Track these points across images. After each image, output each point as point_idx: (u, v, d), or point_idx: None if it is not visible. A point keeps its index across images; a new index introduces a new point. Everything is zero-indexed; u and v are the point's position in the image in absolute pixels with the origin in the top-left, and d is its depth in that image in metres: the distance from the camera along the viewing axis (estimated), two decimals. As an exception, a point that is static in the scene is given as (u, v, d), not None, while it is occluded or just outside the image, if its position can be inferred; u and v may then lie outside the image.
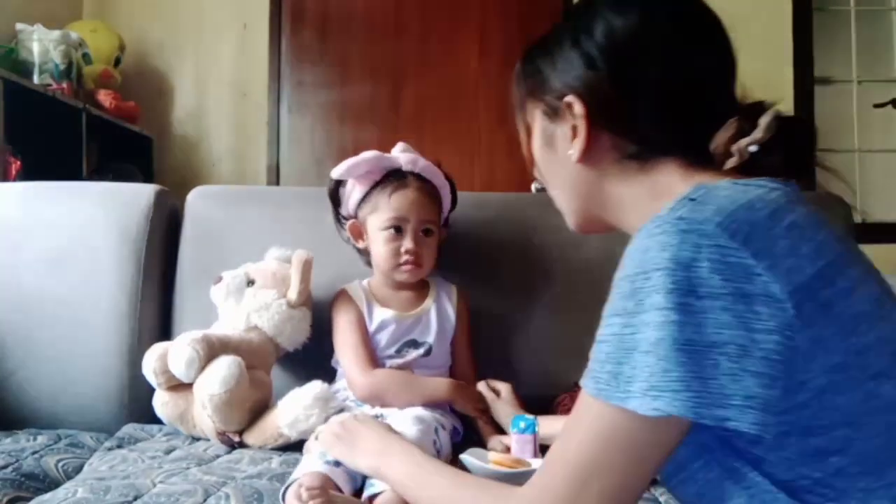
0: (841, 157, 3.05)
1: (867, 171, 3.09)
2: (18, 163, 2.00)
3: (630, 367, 0.55)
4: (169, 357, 1.16)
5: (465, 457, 0.96)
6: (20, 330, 1.32)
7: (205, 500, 0.89)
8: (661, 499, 0.94)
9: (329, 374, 1.27)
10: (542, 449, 1.01)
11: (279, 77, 3.02)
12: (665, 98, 0.67)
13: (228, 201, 1.50)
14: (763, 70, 2.86)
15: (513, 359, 1.37)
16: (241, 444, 1.16)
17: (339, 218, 1.34)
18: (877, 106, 3.08)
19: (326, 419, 1.04)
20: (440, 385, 1.22)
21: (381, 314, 1.27)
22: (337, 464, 0.91)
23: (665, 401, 0.53)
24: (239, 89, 3.01)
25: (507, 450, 1.07)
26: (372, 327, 1.26)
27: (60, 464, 1.08)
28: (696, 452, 0.61)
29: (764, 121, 0.63)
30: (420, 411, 1.13)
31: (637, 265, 0.57)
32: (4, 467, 1.02)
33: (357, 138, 2.97)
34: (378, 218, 1.26)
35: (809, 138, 0.66)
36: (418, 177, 1.28)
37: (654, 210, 0.59)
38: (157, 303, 1.39)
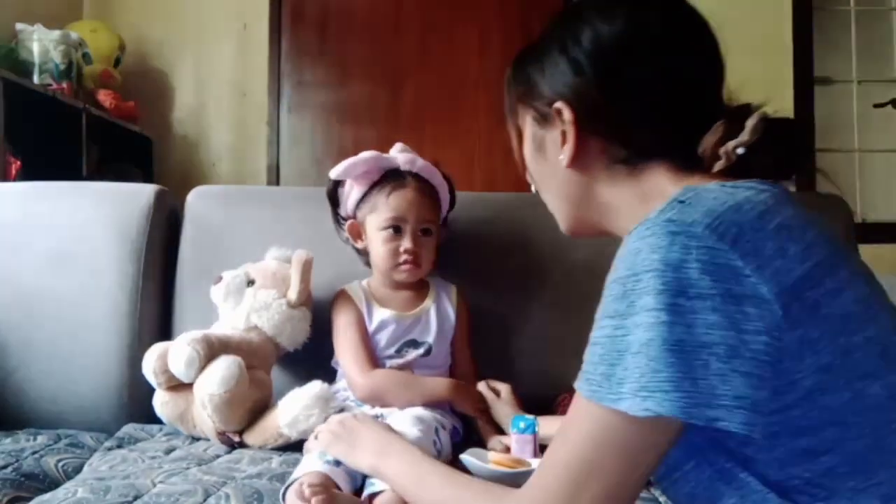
0: (841, 157, 3.05)
1: (867, 171, 3.09)
2: (18, 163, 2.00)
3: (622, 369, 0.55)
4: (169, 357, 1.16)
5: (465, 457, 0.96)
6: (20, 330, 1.32)
7: (205, 500, 0.89)
8: (661, 499, 0.94)
9: (329, 374, 1.27)
10: (542, 449, 1.01)
11: (279, 77, 3.02)
12: (653, 102, 0.68)
13: (228, 201, 1.50)
14: (763, 70, 2.86)
15: (512, 359, 1.37)
16: (241, 444, 1.16)
17: (337, 218, 1.34)
18: (877, 106, 3.08)
19: (326, 419, 1.04)
20: (440, 385, 1.22)
21: (380, 314, 1.27)
22: (337, 463, 0.91)
23: (655, 401, 0.53)
24: (239, 89, 3.01)
25: (507, 450, 1.07)
26: (371, 327, 1.26)
27: (60, 464, 1.08)
28: (687, 453, 0.61)
29: (750, 123, 0.64)
30: (420, 411, 1.13)
31: (628, 267, 0.57)
32: (4, 467, 1.03)
33: (357, 138, 2.97)
34: (377, 218, 1.26)
35: (796, 139, 0.67)
36: (417, 176, 1.28)
37: (645, 213, 0.60)
38: (157, 303, 1.39)
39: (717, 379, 0.53)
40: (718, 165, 0.65)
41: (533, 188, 0.83)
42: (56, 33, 2.29)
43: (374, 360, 1.24)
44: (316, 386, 1.14)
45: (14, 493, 0.96)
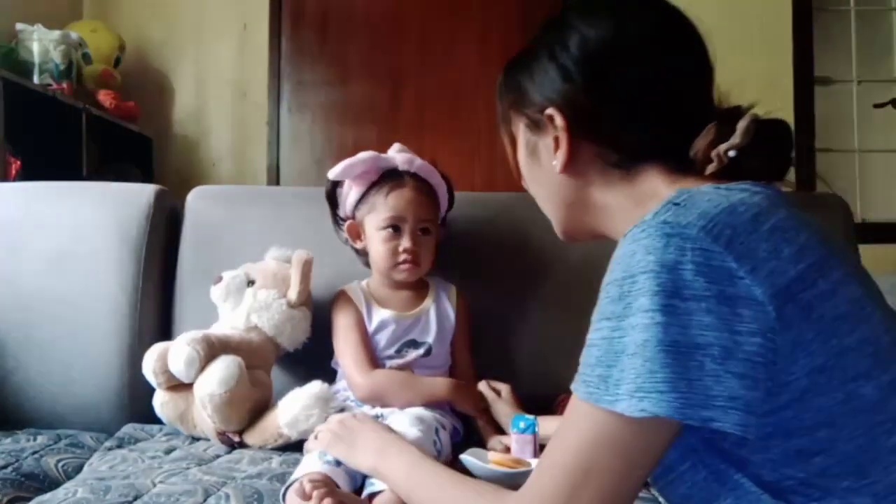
0: (841, 157, 3.05)
1: (867, 171, 3.09)
2: (18, 163, 2.00)
3: (619, 371, 0.56)
4: (169, 357, 1.16)
5: (465, 457, 0.96)
6: (20, 330, 1.32)
7: (205, 500, 0.89)
8: (661, 499, 0.94)
9: (329, 375, 1.27)
10: (542, 449, 1.01)
11: (279, 77, 3.02)
12: (643, 106, 0.68)
13: (228, 201, 1.50)
14: (763, 70, 2.86)
15: (512, 359, 1.37)
16: (241, 444, 1.17)
17: (336, 219, 1.34)
18: (877, 106, 3.07)
19: (326, 419, 1.04)
20: (440, 385, 1.22)
21: (380, 314, 1.27)
22: (337, 463, 0.91)
23: (651, 402, 0.53)
24: (239, 89, 3.01)
25: (507, 450, 1.07)
26: (371, 328, 1.26)
27: (60, 464, 1.08)
28: (683, 454, 0.61)
29: (742, 125, 0.64)
30: (420, 411, 1.13)
31: (624, 269, 0.57)
32: (4, 467, 1.03)
33: (357, 138, 2.97)
34: (375, 218, 1.26)
35: (788, 140, 0.67)
36: (415, 176, 1.28)
37: (640, 216, 0.60)
38: (157, 303, 1.39)
39: (712, 380, 0.53)
40: (711, 168, 0.65)
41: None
42: (56, 33, 2.29)
43: (375, 360, 1.24)
44: (316, 386, 1.14)
45: (14, 493, 0.96)
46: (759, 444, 0.57)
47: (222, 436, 1.16)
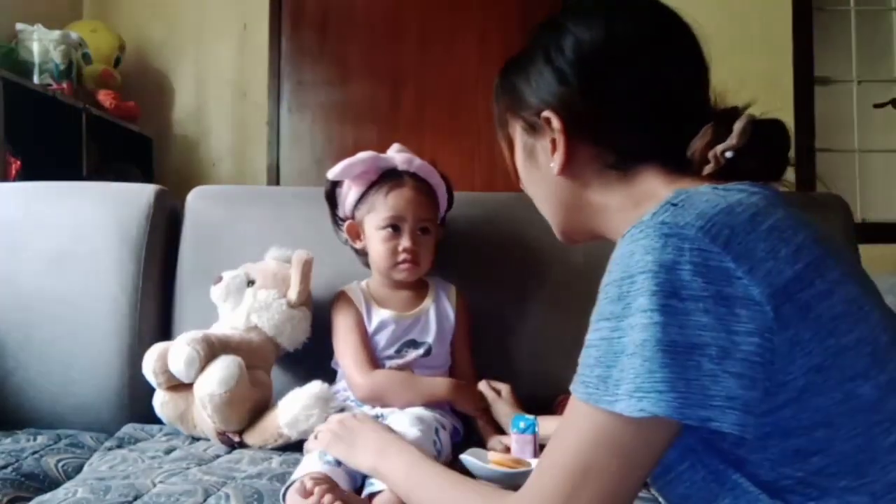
0: (841, 157, 3.05)
1: (867, 171, 3.09)
2: (18, 163, 2.00)
3: (618, 371, 0.56)
4: (169, 357, 1.16)
5: (465, 457, 0.96)
6: (20, 330, 1.32)
7: (205, 500, 0.89)
8: (661, 499, 0.94)
9: (329, 375, 1.27)
10: (542, 449, 1.01)
11: (279, 77, 3.02)
12: (638, 108, 0.68)
13: (228, 201, 1.50)
14: (763, 70, 2.87)
15: (512, 359, 1.37)
16: (241, 444, 1.17)
17: (335, 219, 1.34)
18: (877, 106, 3.07)
19: (326, 419, 1.04)
20: (440, 385, 1.22)
21: (379, 315, 1.27)
22: (337, 463, 0.91)
23: (650, 402, 0.53)
24: (239, 89, 3.01)
25: (507, 450, 1.07)
26: (371, 328, 1.26)
27: (60, 464, 1.08)
28: (681, 454, 0.61)
29: (738, 126, 0.64)
30: (420, 411, 1.13)
31: (622, 270, 0.57)
32: (4, 467, 1.03)
33: (357, 138, 2.97)
34: (375, 217, 1.26)
35: (784, 140, 0.67)
36: (414, 176, 1.28)
37: (638, 216, 0.60)
38: (157, 303, 1.39)
39: (709, 380, 0.53)
40: (708, 169, 0.65)
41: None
42: (56, 33, 2.29)
43: (374, 360, 1.24)
44: (316, 386, 1.14)
45: (14, 493, 0.96)
46: (757, 444, 0.57)
47: (222, 436, 1.16)
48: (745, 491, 0.59)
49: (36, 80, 2.24)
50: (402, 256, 1.25)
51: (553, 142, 0.72)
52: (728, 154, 0.64)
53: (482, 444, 1.15)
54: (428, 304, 1.31)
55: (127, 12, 2.97)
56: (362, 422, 0.95)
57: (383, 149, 1.33)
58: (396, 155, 1.30)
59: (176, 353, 1.15)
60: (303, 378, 1.19)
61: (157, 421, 1.25)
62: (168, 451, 1.14)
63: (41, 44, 2.26)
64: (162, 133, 2.95)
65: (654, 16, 0.71)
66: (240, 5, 3.01)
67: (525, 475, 0.68)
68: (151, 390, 1.22)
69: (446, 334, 1.30)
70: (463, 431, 1.22)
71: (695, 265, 0.55)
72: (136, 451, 1.14)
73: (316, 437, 0.98)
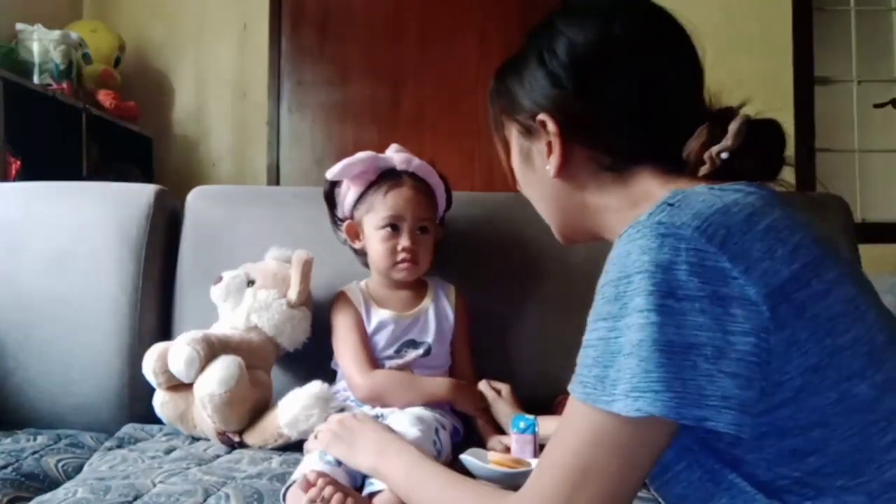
0: (841, 157, 3.05)
1: (867, 171, 3.09)
2: (18, 163, 2.00)
3: (615, 371, 0.56)
4: (169, 357, 1.16)
5: (465, 457, 0.96)
6: (20, 330, 1.32)
7: (205, 500, 0.89)
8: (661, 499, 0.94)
9: (329, 375, 1.27)
10: (542, 449, 1.01)
11: (279, 77, 3.02)
12: (633, 110, 0.68)
13: (228, 201, 1.50)
14: (763, 70, 2.87)
15: (510, 359, 1.37)
16: (241, 444, 1.17)
17: (334, 219, 1.34)
18: (877, 106, 3.07)
19: (326, 419, 1.04)
20: (440, 385, 1.22)
21: (379, 315, 1.27)
22: (338, 463, 0.91)
23: (647, 401, 0.54)
24: (239, 89, 3.01)
25: (507, 450, 1.07)
26: (370, 328, 1.26)
27: (60, 464, 1.08)
28: (679, 454, 0.62)
29: (733, 127, 0.64)
30: (420, 411, 1.13)
31: (619, 270, 0.57)
32: (4, 467, 1.03)
33: (357, 138, 2.97)
34: (374, 217, 1.26)
35: (780, 140, 0.67)
36: (413, 176, 1.29)
37: (634, 217, 0.60)
38: (157, 303, 1.39)
39: (705, 379, 0.54)
40: (704, 170, 0.65)
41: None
42: (56, 33, 2.29)
43: (374, 360, 1.24)
44: (316, 386, 1.14)
45: (14, 493, 0.96)
46: (753, 444, 0.57)
47: (222, 436, 1.16)
48: (742, 491, 0.59)
49: (36, 80, 2.24)
50: (401, 256, 1.25)
51: (549, 144, 0.72)
52: (723, 155, 0.64)
53: (482, 444, 1.15)
54: (427, 303, 1.31)
55: (127, 12, 2.97)
56: (362, 422, 0.95)
57: (383, 149, 1.33)
58: (395, 155, 1.30)
59: (176, 353, 1.15)
60: (303, 378, 1.19)
61: (157, 421, 1.25)
62: (168, 451, 1.14)
63: (41, 44, 2.25)
64: (162, 133, 2.95)
65: (647, 17, 0.71)
66: (240, 5, 3.01)
67: (525, 475, 0.68)
68: (151, 390, 1.22)
69: (446, 334, 1.30)
70: (463, 431, 1.22)
71: (691, 265, 0.55)
72: (136, 451, 1.14)
73: (316, 437, 0.98)
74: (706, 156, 0.65)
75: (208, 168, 3.00)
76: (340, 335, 1.26)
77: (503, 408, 1.20)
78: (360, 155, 1.27)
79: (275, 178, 3.00)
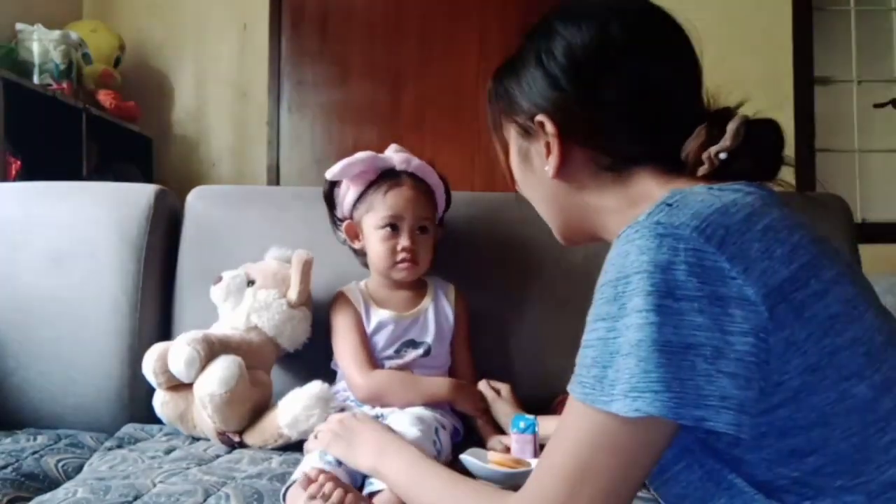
0: (841, 157, 3.05)
1: (867, 171, 3.09)
2: (18, 163, 2.00)
3: (614, 371, 0.56)
4: (169, 357, 1.16)
5: (465, 457, 0.96)
6: (20, 330, 1.32)
7: (205, 500, 0.89)
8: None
9: (329, 375, 1.27)
10: (542, 448, 1.01)
11: (279, 77, 3.02)
12: (631, 110, 0.68)
13: (228, 201, 1.50)
14: (763, 70, 2.87)
15: (510, 359, 1.37)
16: (241, 444, 1.17)
17: (334, 219, 1.34)
18: (877, 106, 3.07)
19: (326, 419, 1.04)
20: (440, 385, 1.22)
21: (378, 315, 1.27)
22: (338, 463, 0.91)
23: (645, 401, 0.54)
24: (239, 89, 3.01)
25: (507, 450, 1.07)
26: (370, 328, 1.26)
27: (60, 464, 1.08)
28: (678, 454, 0.62)
29: (731, 127, 0.64)
30: (420, 411, 1.13)
31: (618, 270, 0.57)
32: (4, 467, 1.03)
33: (357, 138, 2.97)
34: (374, 217, 1.26)
35: (778, 140, 0.66)
36: (412, 176, 1.29)
37: (633, 217, 0.60)
38: (157, 303, 1.39)
39: (703, 380, 0.54)
40: (702, 170, 0.65)
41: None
42: (56, 33, 2.29)
43: (374, 360, 1.24)
44: (316, 386, 1.14)
45: (14, 493, 0.96)
46: (752, 444, 0.58)
47: (222, 436, 1.16)
48: (741, 491, 0.59)
49: (36, 80, 2.24)
50: (400, 256, 1.25)
51: (547, 145, 0.72)
52: (722, 155, 0.64)
53: (482, 444, 1.15)
54: (427, 303, 1.31)
55: (127, 12, 2.97)
56: (362, 421, 0.95)
57: (383, 149, 1.34)
58: (394, 155, 1.30)
59: (176, 353, 1.15)
60: (303, 378, 1.19)
61: (157, 421, 1.25)
62: (168, 451, 1.14)
63: (41, 44, 2.26)
64: (162, 133, 2.95)
65: (644, 17, 0.71)
66: (240, 5, 3.01)
67: (525, 475, 0.68)
68: (151, 390, 1.22)
69: (445, 334, 1.30)
70: (463, 431, 1.22)
71: (690, 265, 0.55)
72: (136, 451, 1.14)
73: (316, 437, 0.98)
74: (705, 156, 0.65)
75: (208, 168, 3.00)
76: (340, 335, 1.26)
77: (503, 408, 1.20)
78: (360, 155, 1.27)
79: (275, 178, 3.00)
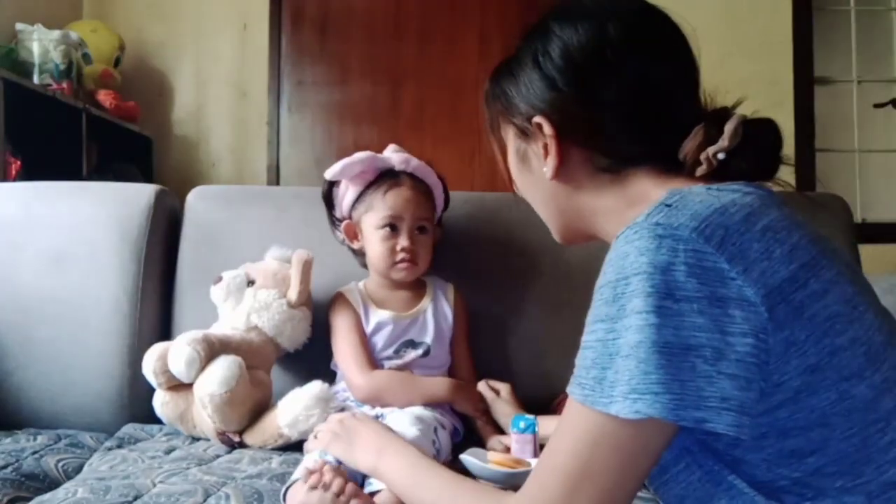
0: (841, 157, 3.05)
1: (867, 171, 3.09)
2: (18, 163, 2.00)
3: (613, 372, 0.56)
4: (169, 357, 1.16)
5: (465, 457, 0.96)
6: (20, 330, 1.32)
7: (205, 500, 0.89)
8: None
9: (329, 375, 1.27)
10: (543, 449, 1.01)
11: (279, 77, 3.02)
12: (628, 111, 0.68)
13: (228, 201, 1.50)
14: (763, 70, 2.87)
15: (511, 359, 1.37)
16: (241, 444, 1.17)
17: (333, 220, 1.34)
18: (877, 106, 3.08)
19: (326, 419, 1.04)
20: (440, 385, 1.22)
21: (377, 315, 1.27)
22: (338, 463, 0.91)
23: (645, 403, 0.54)
24: (239, 89, 3.01)
25: (507, 450, 1.07)
26: (369, 329, 1.26)
27: (60, 464, 1.08)
28: (678, 455, 0.62)
29: (729, 127, 0.64)
30: (420, 411, 1.13)
31: (617, 271, 0.57)
32: (4, 467, 1.03)
33: (357, 138, 2.97)
34: (373, 217, 1.26)
35: (776, 140, 0.66)
36: (411, 176, 1.29)
37: (632, 218, 0.60)
38: (157, 303, 1.39)
39: (704, 381, 0.53)
40: (700, 171, 0.65)
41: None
42: (56, 33, 2.29)
43: (373, 361, 1.24)
44: (316, 386, 1.14)
45: (14, 493, 0.96)
46: (753, 445, 0.58)
47: (222, 436, 1.16)
48: (741, 492, 0.59)
49: (36, 80, 2.24)
50: (400, 256, 1.25)
51: (545, 147, 0.72)
52: (720, 155, 0.64)
53: (482, 444, 1.15)
54: (426, 303, 1.31)
55: (127, 12, 2.97)
56: (362, 421, 0.95)
57: (383, 149, 1.34)
58: (393, 155, 1.30)
59: (176, 354, 1.15)
60: (303, 378, 1.19)
61: (157, 421, 1.25)
62: (168, 451, 1.14)
63: (41, 44, 2.26)
64: (162, 133, 2.95)
65: (641, 17, 0.71)
66: (240, 5, 3.01)
67: (525, 475, 0.68)
68: (151, 390, 1.22)
69: (445, 334, 1.30)
70: (463, 431, 1.22)
71: (689, 266, 0.55)
72: (136, 451, 1.14)
73: (316, 437, 0.98)
74: (703, 156, 0.64)
75: (208, 168, 3.00)
76: (339, 336, 1.26)
77: (502, 408, 1.20)
78: (359, 155, 1.27)
79: (275, 178, 3.00)
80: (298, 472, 0.92)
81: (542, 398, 1.25)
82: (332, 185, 1.31)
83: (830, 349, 0.57)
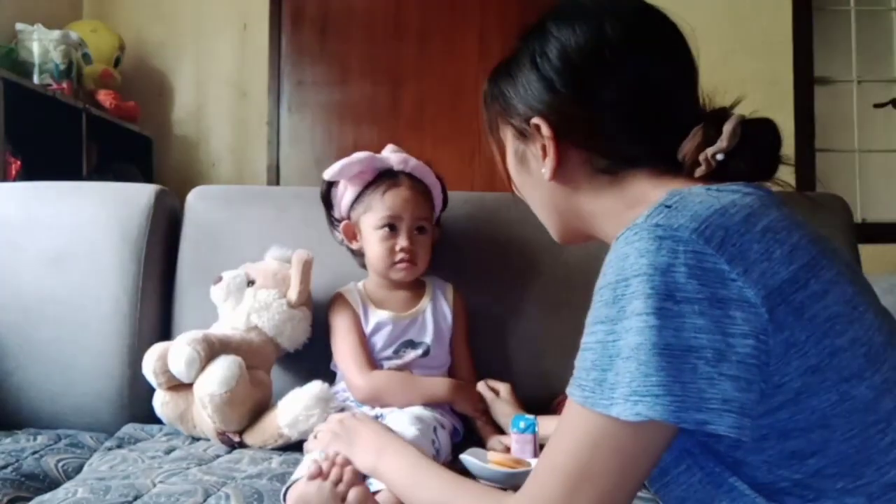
0: (841, 157, 3.05)
1: (867, 171, 3.09)
2: (18, 163, 2.00)
3: (613, 374, 0.56)
4: (169, 357, 1.16)
5: (465, 457, 0.96)
6: (20, 330, 1.32)
7: (205, 500, 0.89)
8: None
9: (329, 375, 1.27)
10: (543, 449, 1.01)
11: (279, 77, 3.02)
12: (627, 112, 0.68)
13: (228, 201, 1.50)
14: (763, 70, 2.87)
15: (510, 359, 1.37)
16: (241, 444, 1.17)
17: (332, 220, 1.34)
18: (877, 106, 3.08)
19: (326, 419, 1.04)
20: (439, 385, 1.22)
21: (376, 316, 1.27)
22: (342, 460, 0.91)
23: (646, 405, 0.53)
24: (239, 89, 3.01)
25: (507, 450, 1.07)
26: (368, 329, 1.26)
27: (60, 464, 1.08)
28: (678, 457, 0.62)
29: (728, 128, 0.64)
30: (419, 411, 1.13)
31: (617, 272, 0.57)
32: (4, 467, 1.03)
33: (357, 138, 2.97)
34: (372, 217, 1.26)
35: (775, 140, 0.66)
36: (410, 176, 1.29)
37: (631, 219, 0.60)
38: (157, 303, 1.39)
39: (705, 383, 0.53)
40: (699, 171, 0.65)
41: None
42: (56, 33, 2.29)
43: (373, 361, 1.24)
44: (316, 386, 1.14)
45: (14, 493, 0.96)
46: (754, 446, 0.57)
47: (222, 436, 1.16)
48: (742, 494, 0.59)
49: (36, 80, 2.24)
50: (399, 256, 1.25)
51: (543, 148, 0.72)
52: (719, 156, 0.63)
53: (482, 444, 1.15)
54: (425, 303, 1.31)
55: (127, 12, 2.97)
56: (362, 421, 0.95)
57: (383, 149, 1.33)
58: (392, 155, 1.30)
59: (176, 353, 1.15)
60: (303, 378, 1.19)
61: (157, 421, 1.25)
62: (168, 451, 1.14)
63: (41, 44, 2.25)
64: (162, 133, 2.95)
65: (639, 18, 0.71)
66: (240, 5, 3.01)
67: (525, 475, 0.68)
68: (151, 390, 1.22)
69: (444, 334, 1.30)
70: (463, 431, 1.22)
71: (689, 267, 0.55)
72: (136, 451, 1.14)
73: (316, 437, 0.98)
74: (702, 157, 0.64)
75: (208, 168, 3.00)
76: (339, 336, 1.26)
77: (502, 408, 1.20)
78: (358, 155, 1.27)
79: (275, 178, 3.00)
80: (299, 472, 0.92)
81: (542, 398, 1.25)
82: (330, 186, 1.31)
83: (831, 350, 0.57)
